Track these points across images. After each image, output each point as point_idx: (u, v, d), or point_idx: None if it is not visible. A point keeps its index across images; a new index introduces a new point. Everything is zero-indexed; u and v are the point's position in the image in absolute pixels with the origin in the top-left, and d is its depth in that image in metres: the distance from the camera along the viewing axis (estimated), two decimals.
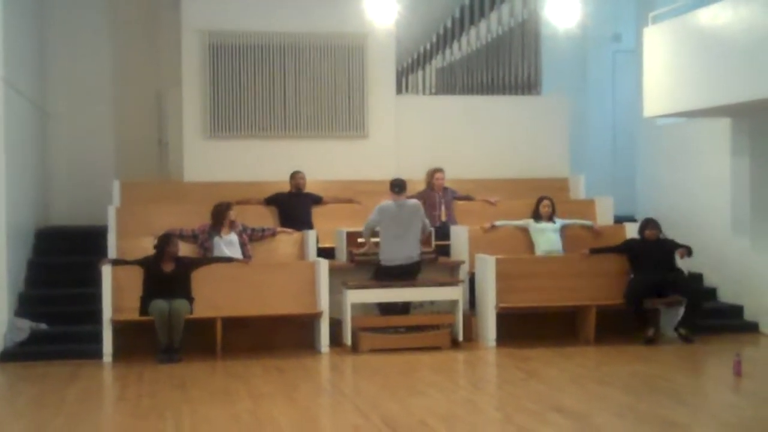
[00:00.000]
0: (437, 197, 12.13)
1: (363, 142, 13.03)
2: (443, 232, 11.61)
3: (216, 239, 10.59)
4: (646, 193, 13.81)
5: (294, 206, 11.79)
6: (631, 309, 10.49)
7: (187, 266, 10.12)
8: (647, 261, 10.69)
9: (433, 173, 12.20)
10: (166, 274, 9.96)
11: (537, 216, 11.51)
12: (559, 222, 11.51)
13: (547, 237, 11.34)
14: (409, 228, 10.45)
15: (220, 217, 10.66)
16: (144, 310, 9.83)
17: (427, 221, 10.76)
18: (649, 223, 11.00)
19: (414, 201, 10.73)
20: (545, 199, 11.55)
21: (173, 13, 12.90)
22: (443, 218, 12.00)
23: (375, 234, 10.59)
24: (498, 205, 12.34)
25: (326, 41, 12.88)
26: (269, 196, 11.94)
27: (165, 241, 10.07)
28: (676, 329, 10.56)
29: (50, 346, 10.07)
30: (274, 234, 11.11)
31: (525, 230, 11.53)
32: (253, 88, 12.71)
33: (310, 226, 11.45)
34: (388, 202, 10.58)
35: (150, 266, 10.01)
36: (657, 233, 10.91)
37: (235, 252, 10.60)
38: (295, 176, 11.98)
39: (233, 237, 10.66)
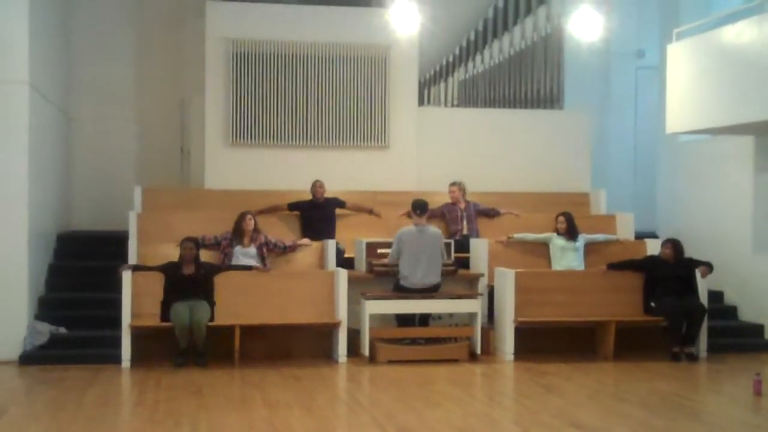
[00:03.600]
0: (459, 211, 12.11)
1: (384, 153, 13.06)
2: (463, 245, 11.59)
3: (235, 249, 10.62)
4: (667, 209, 13.75)
5: (316, 216, 11.79)
6: (678, 329, 10.39)
7: (209, 270, 10.16)
8: (668, 280, 10.60)
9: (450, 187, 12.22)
10: (187, 277, 10.00)
11: (559, 231, 11.46)
12: (582, 239, 11.43)
13: (567, 257, 11.27)
14: (429, 254, 10.41)
15: (238, 227, 10.70)
16: (164, 315, 9.87)
17: (444, 252, 10.68)
18: (666, 243, 10.88)
19: (435, 230, 10.63)
20: (560, 216, 11.47)
21: (198, 21, 12.98)
22: (465, 231, 11.98)
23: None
24: (519, 218, 12.32)
25: (349, 51, 12.92)
26: (293, 202, 11.96)
27: (182, 246, 10.12)
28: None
29: (69, 350, 10.12)
30: (294, 249, 11.09)
31: (545, 244, 11.49)
32: (276, 97, 12.77)
33: (332, 236, 11.46)
34: (408, 227, 10.57)
35: (170, 271, 10.05)
36: (673, 254, 10.75)
37: (252, 264, 10.60)
38: (314, 185, 11.98)
39: (252, 250, 10.67)
